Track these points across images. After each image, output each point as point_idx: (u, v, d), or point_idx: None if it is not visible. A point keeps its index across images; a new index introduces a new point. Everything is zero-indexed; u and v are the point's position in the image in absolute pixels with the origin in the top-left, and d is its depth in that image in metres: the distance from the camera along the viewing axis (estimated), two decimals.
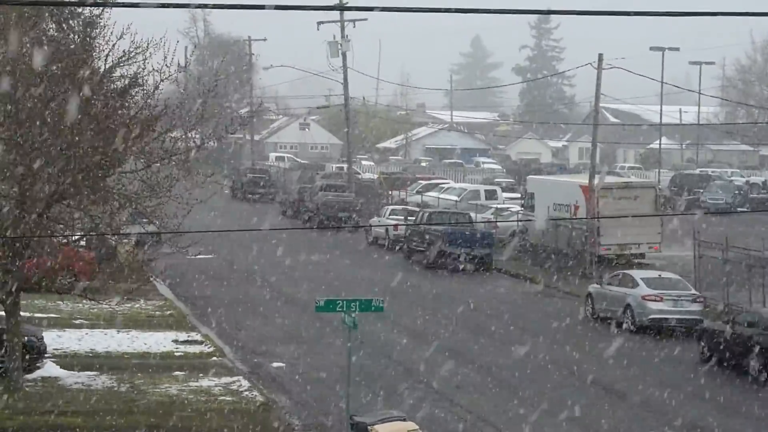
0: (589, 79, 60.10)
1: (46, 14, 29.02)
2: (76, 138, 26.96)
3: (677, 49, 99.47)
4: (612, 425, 28.88)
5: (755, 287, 42.34)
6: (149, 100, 28.63)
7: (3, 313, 29.42)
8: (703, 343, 36.17)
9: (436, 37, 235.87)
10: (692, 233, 48.30)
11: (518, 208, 64.60)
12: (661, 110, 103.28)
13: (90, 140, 27.19)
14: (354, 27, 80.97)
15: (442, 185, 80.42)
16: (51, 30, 29.69)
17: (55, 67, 27.48)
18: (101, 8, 29.04)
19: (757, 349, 33.39)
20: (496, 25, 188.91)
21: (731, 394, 32.44)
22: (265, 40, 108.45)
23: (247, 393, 30.30)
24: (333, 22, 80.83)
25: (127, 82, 29.07)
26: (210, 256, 54.18)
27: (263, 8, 14.77)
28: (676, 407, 30.42)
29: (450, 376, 33.31)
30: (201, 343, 36.70)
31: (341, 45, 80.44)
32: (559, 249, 54.17)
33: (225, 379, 31.65)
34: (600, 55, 56.11)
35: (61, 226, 29.95)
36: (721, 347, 34.92)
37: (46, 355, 32.16)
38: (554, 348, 37.75)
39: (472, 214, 61.59)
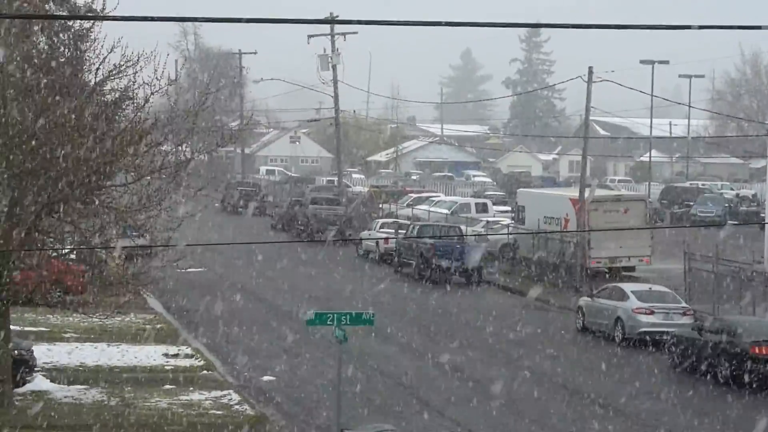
0: (580, 93, 60.20)
1: (36, 27, 28.96)
2: (67, 151, 26.91)
3: (667, 62, 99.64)
4: None
5: (744, 300, 42.39)
6: (139, 113, 28.62)
7: None
8: (674, 351, 37.19)
9: (426, 50, 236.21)
10: (682, 246, 48.34)
11: (509, 221, 64.63)
12: (651, 123, 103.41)
13: (80, 153, 27.15)
14: (344, 40, 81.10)
15: (433, 198, 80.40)
16: (41, 43, 29.63)
17: (45, 81, 27.44)
18: (92, 21, 28.97)
19: (724, 355, 34.46)
20: (485, 38, 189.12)
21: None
22: (255, 53, 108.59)
23: (237, 407, 30.25)
24: (323, 35, 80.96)
25: (117, 95, 29.05)
26: (200, 269, 54.18)
27: (254, 21, 14.80)
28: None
29: (440, 389, 33.30)
30: (191, 356, 36.63)
31: (331, 58, 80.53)
32: (549, 262, 54.16)
33: (215, 393, 31.58)
34: (590, 69, 56.16)
35: (51, 239, 29.87)
36: (692, 354, 36.07)
37: (36, 369, 32.07)
38: (545, 361, 37.74)
39: (463, 228, 61.60)
